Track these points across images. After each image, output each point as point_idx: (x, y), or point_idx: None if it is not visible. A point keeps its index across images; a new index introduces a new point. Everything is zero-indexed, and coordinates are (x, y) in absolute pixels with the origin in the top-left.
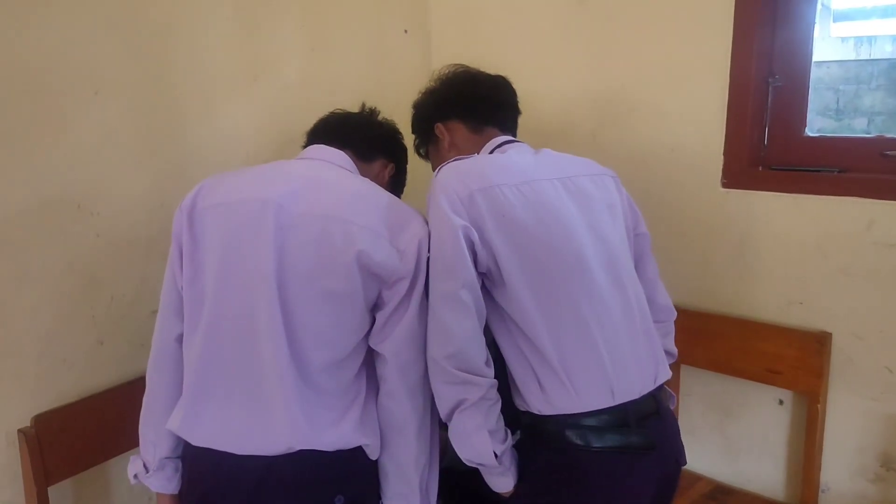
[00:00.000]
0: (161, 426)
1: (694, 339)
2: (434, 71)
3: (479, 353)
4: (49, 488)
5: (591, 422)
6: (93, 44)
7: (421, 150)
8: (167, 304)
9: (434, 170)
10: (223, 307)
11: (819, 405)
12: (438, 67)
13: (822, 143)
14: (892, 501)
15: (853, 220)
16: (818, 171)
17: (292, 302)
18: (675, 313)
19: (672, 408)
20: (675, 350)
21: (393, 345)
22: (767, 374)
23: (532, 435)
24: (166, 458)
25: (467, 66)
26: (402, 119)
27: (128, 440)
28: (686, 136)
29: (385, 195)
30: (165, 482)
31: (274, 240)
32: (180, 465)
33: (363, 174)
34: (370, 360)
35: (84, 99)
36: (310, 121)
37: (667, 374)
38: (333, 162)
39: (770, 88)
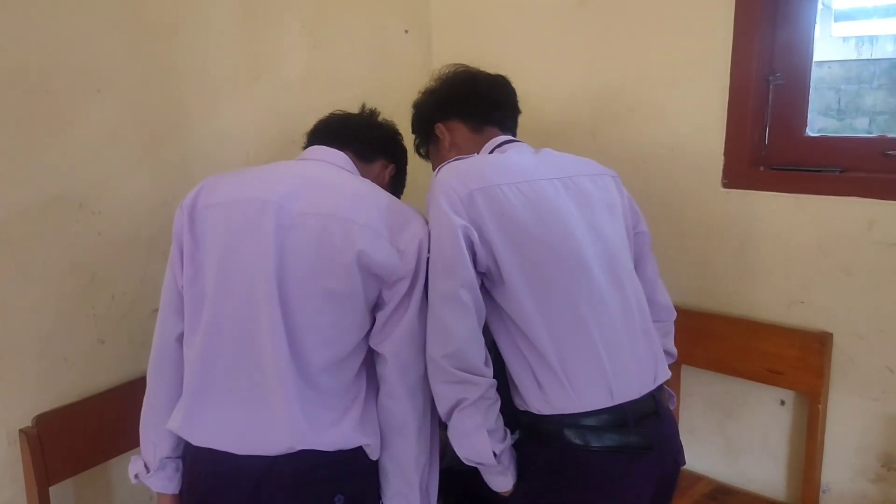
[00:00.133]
0: (161, 426)
1: (694, 339)
2: (434, 70)
3: (478, 353)
4: (50, 488)
5: (589, 421)
6: (95, 42)
7: (421, 150)
8: (167, 303)
9: (434, 170)
10: (223, 306)
11: (820, 405)
12: (439, 67)
13: (822, 142)
14: (892, 501)
15: (854, 220)
16: (819, 170)
17: (292, 301)
18: (675, 313)
19: (672, 408)
20: (674, 350)
21: (393, 345)
22: (768, 375)
23: (531, 434)
24: (167, 457)
25: (467, 66)
26: (403, 119)
27: (129, 440)
28: (686, 135)
29: (385, 195)
30: (166, 482)
31: (274, 239)
32: (181, 464)
33: (363, 175)
34: (370, 361)
35: (86, 97)
36: (310, 120)
37: (666, 374)
38: (334, 163)
39: (771, 88)
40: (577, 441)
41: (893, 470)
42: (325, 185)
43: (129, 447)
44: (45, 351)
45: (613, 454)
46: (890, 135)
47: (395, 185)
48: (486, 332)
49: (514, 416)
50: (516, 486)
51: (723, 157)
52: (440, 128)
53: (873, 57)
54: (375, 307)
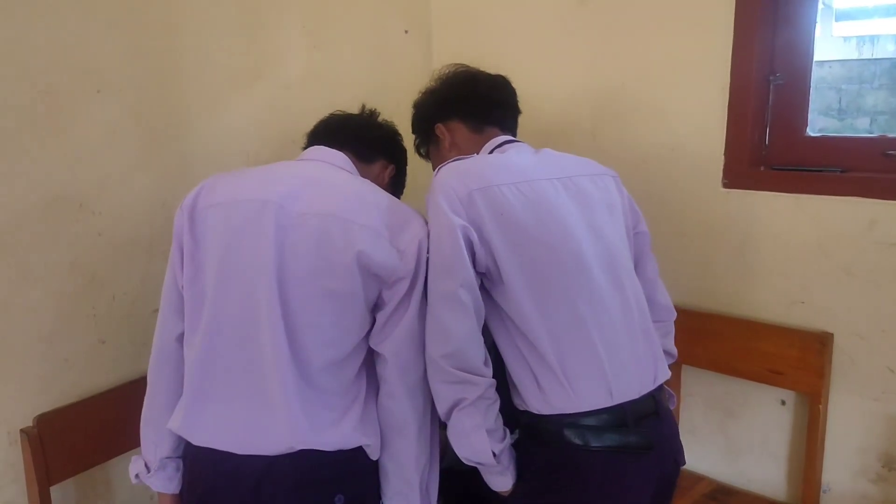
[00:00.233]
0: (162, 426)
1: (695, 340)
2: (434, 71)
3: (477, 353)
4: (51, 488)
5: (589, 421)
6: (95, 42)
7: (422, 151)
8: (168, 303)
9: (435, 170)
10: (224, 306)
11: (820, 405)
12: (439, 67)
13: (823, 142)
14: (893, 502)
15: (855, 220)
16: (820, 170)
17: (293, 301)
18: (675, 313)
19: (672, 408)
20: (674, 350)
21: (393, 345)
22: (769, 375)
23: (531, 434)
24: (167, 457)
25: (467, 66)
26: (403, 119)
27: (129, 440)
28: (687, 135)
29: (385, 196)
30: (167, 482)
31: (274, 240)
32: (181, 464)
33: (363, 175)
34: (370, 361)
35: (86, 97)
36: (311, 120)
37: (666, 374)
38: (333, 163)
39: (771, 88)
40: (577, 441)
41: (894, 470)
42: (326, 185)
43: (130, 447)
44: (45, 351)
45: (613, 454)
46: (891, 135)
47: (395, 186)
48: (487, 332)
49: (513, 416)
50: (516, 485)
51: (723, 157)
52: (440, 128)
53: (874, 57)
54: (375, 307)
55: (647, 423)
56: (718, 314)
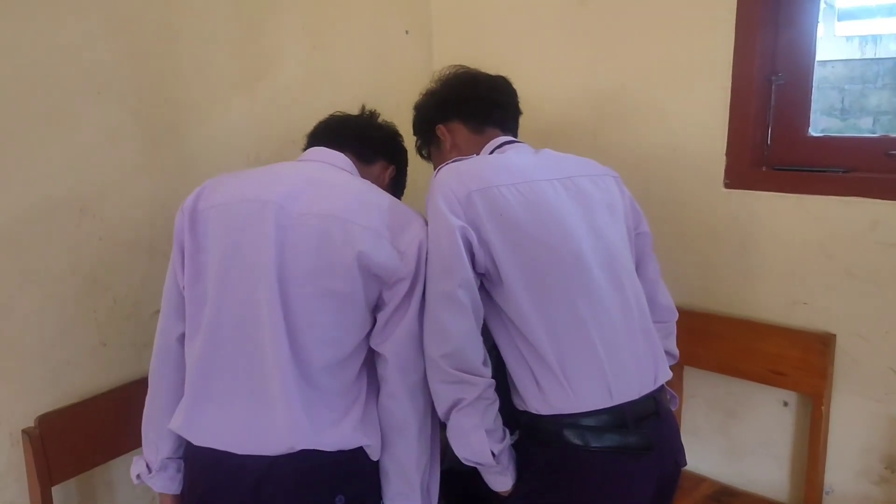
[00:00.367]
0: (163, 426)
1: (697, 340)
2: (435, 72)
3: (476, 353)
4: (53, 488)
5: (589, 422)
6: (95, 44)
7: (423, 152)
8: (169, 304)
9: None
10: (224, 307)
11: (823, 406)
12: (440, 68)
13: (825, 142)
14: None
15: (857, 221)
16: (822, 171)
17: (293, 301)
18: (677, 314)
19: (674, 409)
20: (676, 351)
21: (393, 345)
22: (771, 376)
23: (530, 434)
24: (168, 458)
25: (468, 67)
26: (404, 120)
27: (131, 440)
28: (688, 135)
29: (386, 197)
30: (168, 482)
31: (275, 240)
32: (183, 465)
33: (363, 176)
34: (371, 362)
35: (87, 99)
36: (311, 121)
37: (667, 375)
38: (334, 164)
39: (773, 88)
40: (577, 441)
41: None
42: (326, 185)
43: (131, 448)
44: (47, 353)
45: (613, 455)
46: (893, 135)
47: (396, 187)
48: (487, 333)
49: (513, 416)
50: (516, 486)
51: (725, 158)
52: (441, 129)
53: (877, 56)
54: (376, 308)
55: (648, 424)
56: (720, 315)
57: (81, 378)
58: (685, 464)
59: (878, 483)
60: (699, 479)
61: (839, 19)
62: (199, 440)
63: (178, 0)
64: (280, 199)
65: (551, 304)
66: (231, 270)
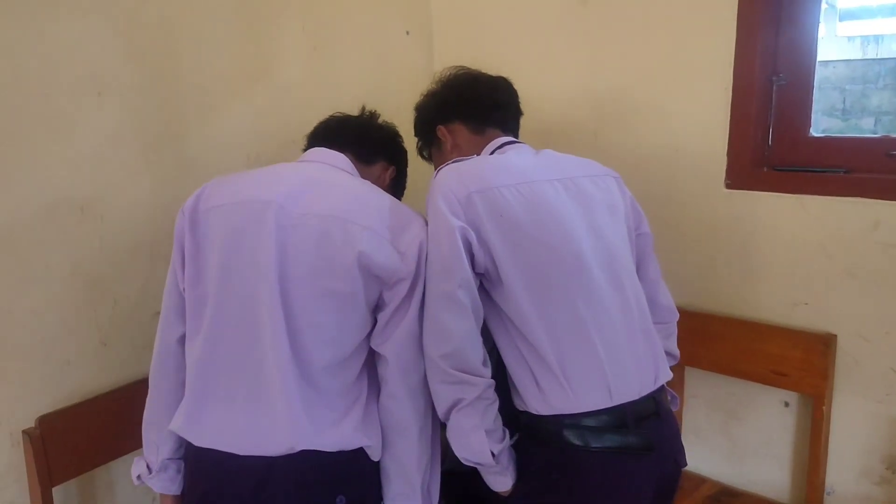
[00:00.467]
0: (164, 427)
1: (698, 341)
2: (435, 73)
3: (475, 353)
4: (53, 489)
5: (589, 422)
6: (95, 46)
7: (424, 153)
8: (169, 305)
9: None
10: (225, 308)
11: (824, 407)
12: (440, 69)
13: (826, 143)
14: None
15: (858, 221)
16: (823, 171)
17: (294, 302)
18: (678, 314)
19: (675, 409)
20: (677, 351)
21: (394, 346)
22: (772, 376)
23: (530, 435)
24: (169, 459)
25: (468, 68)
26: (404, 121)
27: (131, 441)
28: (689, 136)
29: (386, 197)
30: (168, 483)
31: (275, 240)
32: (183, 466)
33: (364, 177)
34: (372, 362)
35: (87, 100)
36: (311, 122)
37: (667, 375)
38: (334, 164)
39: (774, 88)
40: (577, 442)
41: None
42: (326, 186)
43: (132, 448)
44: (48, 353)
45: (613, 455)
46: (895, 135)
47: (396, 187)
48: (487, 333)
49: (513, 416)
50: (516, 486)
51: (726, 158)
52: (442, 130)
53: (879, 56)
54: (376, 308)
55: (648, 424)
56: (721, 315)
57: (82, 378)
58: (685, 464)
59: (879, 484)
60: (700, 480)
61: (840, 19)
62: (199, 441)
63: (178, 0)
64: (280, 200)
65: (551, 305)
66: (231, 271)
